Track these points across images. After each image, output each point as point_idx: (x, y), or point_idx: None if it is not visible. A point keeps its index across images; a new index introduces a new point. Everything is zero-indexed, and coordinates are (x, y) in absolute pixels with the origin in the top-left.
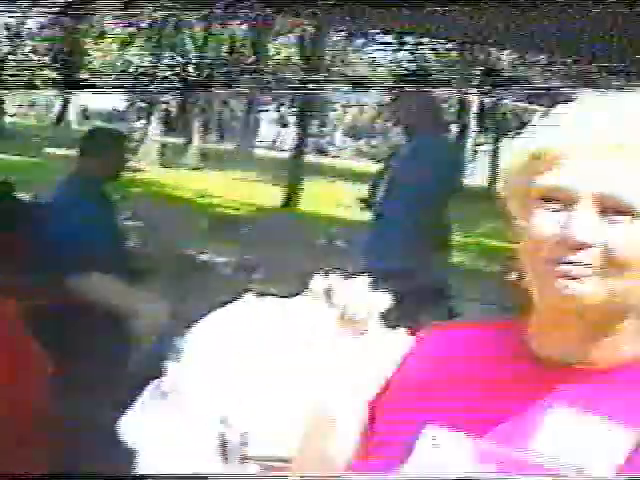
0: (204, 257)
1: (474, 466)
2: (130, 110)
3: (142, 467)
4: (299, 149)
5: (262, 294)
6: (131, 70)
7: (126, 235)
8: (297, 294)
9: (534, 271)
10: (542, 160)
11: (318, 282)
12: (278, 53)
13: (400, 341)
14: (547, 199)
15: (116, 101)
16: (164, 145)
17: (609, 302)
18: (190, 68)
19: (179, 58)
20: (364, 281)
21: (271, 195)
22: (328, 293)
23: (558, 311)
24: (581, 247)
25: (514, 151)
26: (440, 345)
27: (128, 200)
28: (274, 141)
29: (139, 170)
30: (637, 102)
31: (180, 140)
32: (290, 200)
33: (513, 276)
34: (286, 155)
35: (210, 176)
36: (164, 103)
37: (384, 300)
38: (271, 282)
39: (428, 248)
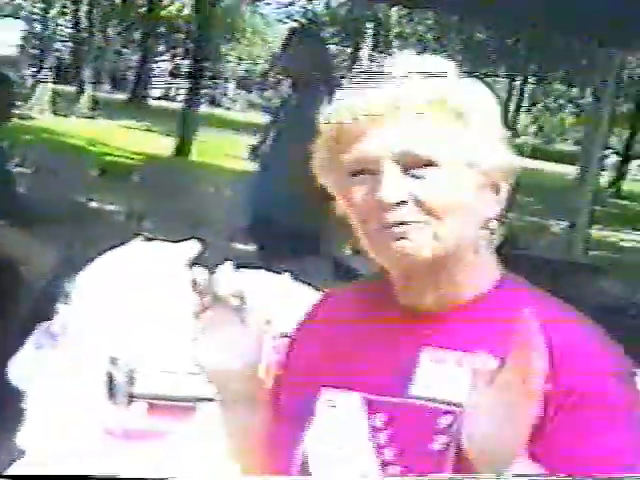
0: (94, 205)
1: (365, 419)
2: (21, 57)
3: (30, 408)
4: (192, 100)
5: (150, 239)
6: (22, 15)
7: (16, 181)
8: (185, 240)
9: (367, 240)
10: (342, 136)
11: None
12: (172, 3)
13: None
14: (356, 172)
15: (6, 47)
16: (56, 93)
17: (442, 250)
18: (82, 15)
19: (70, 4)
20: (229, 265)
21: (163, 145)
22: (194, 284)
23: (401, 270)
24: (394, 206)
25: (318, 132)
26: (327, 310)
27: (18, 147)
28: (167, 91)
29: (30, 117)
30: (428, 62)
31: (72, 88)
32: (182, 150)
33: (349, 248)
34: (179, 106)
35: (102, 125)
36: (56, 51)
37: (254, 279)
38: (160, 230)
39: (306, 198)
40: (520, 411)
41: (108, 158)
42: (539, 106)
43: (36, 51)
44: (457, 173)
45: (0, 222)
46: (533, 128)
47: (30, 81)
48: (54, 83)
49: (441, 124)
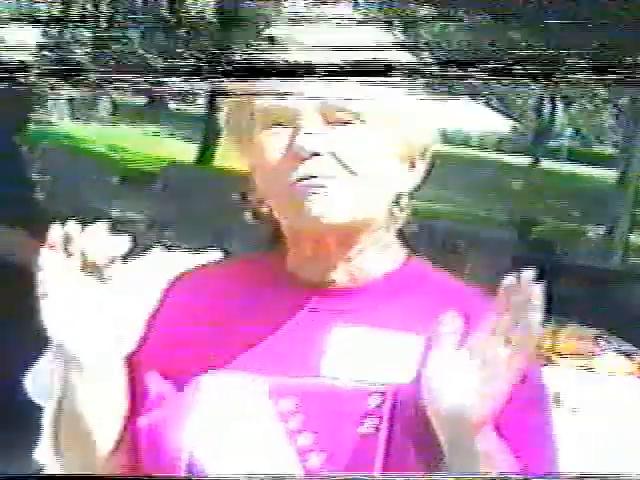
0: (115, 213)
1: (272, 404)
2: (39, 60)
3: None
4: (215, 104)
5: (170, 247)
6: (40, 18)
7: (35, 188)
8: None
9: (275, 199)
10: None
11: (55, 231)
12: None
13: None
14: (271, 122)
15: (23, 52)
16: (74, 98)
17: (354, 213)
18: (102, 20)
19: (90, 7)
20: (101, 226)
21: (186, 151)
22: (65, 242)
23: (308, 234)
24: (309, 158)
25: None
26: (201, 287)
27: (37, 153)
28: (190, 95)
29: (49, 123)
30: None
31: (91, 92)
32: (205, 156)
33: (254, 207)
34: (202, 110)
35: (123, 130)
36: (75, 54)
37: (123, 244)
38: (182, 239)
39: None
40: (503, 370)
41: (129, 165)
42: (576, 107)
43: (54, 54)
44: (380, 134)
45: (18, 229)
46: (570, 130)
47: (48, 85)
48: (73, 87)
49: (370, 80)
